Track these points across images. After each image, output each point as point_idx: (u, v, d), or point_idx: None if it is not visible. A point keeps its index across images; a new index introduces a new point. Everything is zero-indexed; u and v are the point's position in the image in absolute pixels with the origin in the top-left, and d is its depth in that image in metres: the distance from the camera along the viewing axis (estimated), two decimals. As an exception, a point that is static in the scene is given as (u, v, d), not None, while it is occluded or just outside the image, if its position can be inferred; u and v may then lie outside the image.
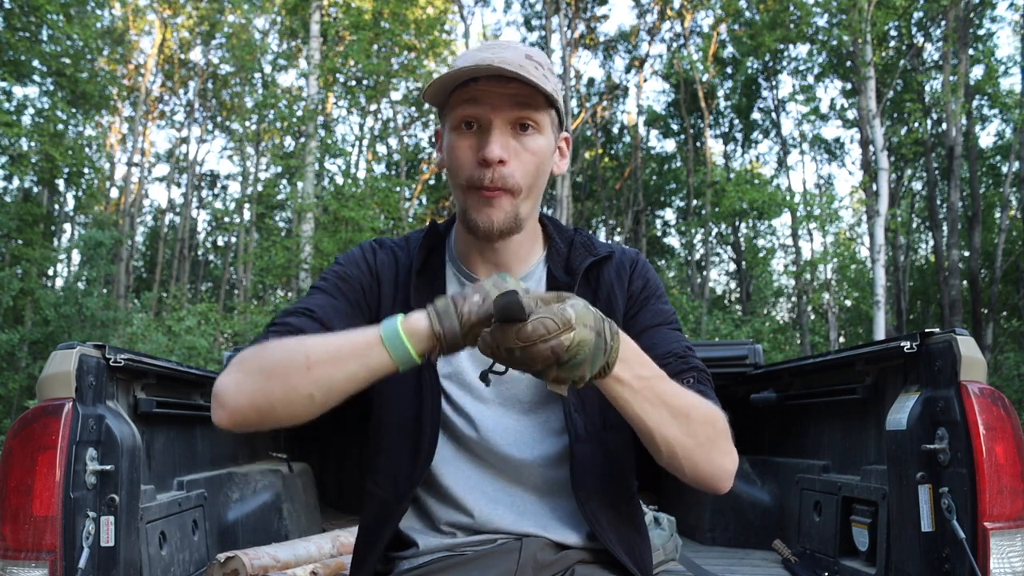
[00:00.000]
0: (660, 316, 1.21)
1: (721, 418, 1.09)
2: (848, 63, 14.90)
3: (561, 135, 1.21)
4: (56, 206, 19.25)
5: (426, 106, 18.36)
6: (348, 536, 2.41)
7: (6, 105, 13.50)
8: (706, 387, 1.14)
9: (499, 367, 0.96)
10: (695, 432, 1.02)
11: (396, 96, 17.66)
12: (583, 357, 0.90)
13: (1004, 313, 17.82)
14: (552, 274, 1.22)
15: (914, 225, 20.68)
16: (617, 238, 22.22)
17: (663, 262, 23.93)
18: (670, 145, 22.16)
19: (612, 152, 22.92)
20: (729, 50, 18.56)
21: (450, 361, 1.19)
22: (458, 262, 1.23)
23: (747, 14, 17.05)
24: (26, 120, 14.24)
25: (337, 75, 14.90)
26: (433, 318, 0.96)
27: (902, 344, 1.72)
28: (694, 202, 19.05)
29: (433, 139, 1.31)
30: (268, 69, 17.68)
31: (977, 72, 15.47)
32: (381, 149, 20.23)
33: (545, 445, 1.17)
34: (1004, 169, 16.46)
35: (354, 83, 15.93)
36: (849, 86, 16.69)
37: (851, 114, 17.71)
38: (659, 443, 1.01)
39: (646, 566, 1.19)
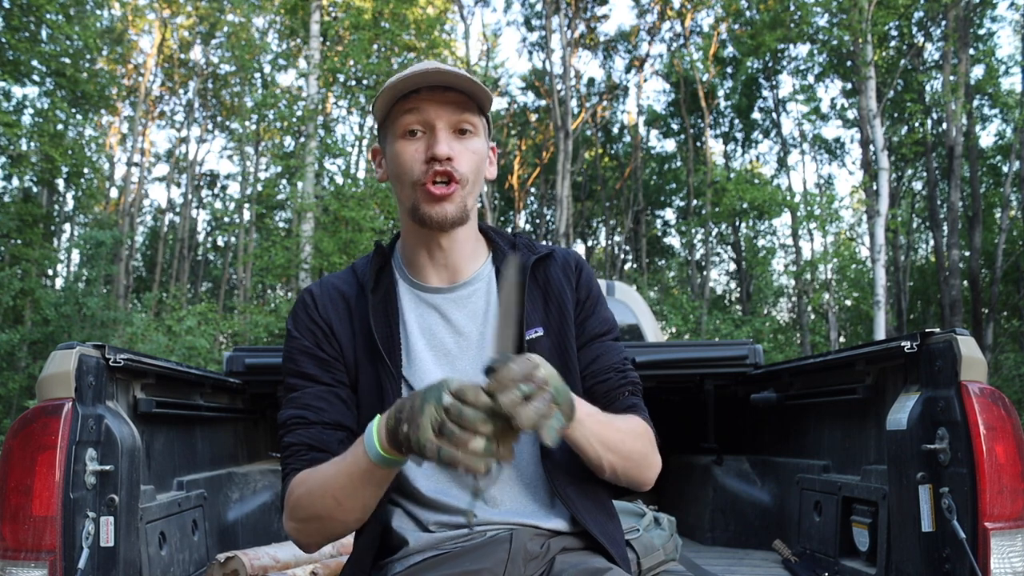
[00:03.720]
0: (605, 324, 1.31)
1: (648, 433, 1.23)
2: (848, 63, 14.90)
3: (489, 144, 1.28)
4: (56, 206, 19.25)
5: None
6: (348, 536, 2.40)
7: (6, 105, 13.50)
8: (638, 399, 1.28)
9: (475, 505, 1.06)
10: (628, 454, 1.18)
11: (396, 96, 17.60)
12: (562, 389, 0.96)
13: (1004, 313, 17.82)
14: (500, 273, 1.27)
15: (914, 225, 20.68)
16: (617, 238, 22.23)
17: (663, 262, 23.94)
18: (670, 145, 22.20)
19: (612, 152, 22.93)
20: (729, 50, 18.57)
21: (412, 366, 1.22)
22: (408, 274, 1.29)
23: (747, 14, 17.05)
24: (26, 120, 14.24)
25: (337, 75, 14.89)
26: (388, 419, 1.00)
27: (902, 344, 1.72)
28: (694, 202, 19.06)
29: (370, 158, 1.36)
30: (268, 69, 17.68)
31: (977, 72, 15.48)
32: (381, 149, 20.20)
33: (521, 441, 1.20)
34: (1004, 169, 16.46)
35: (354, 83, 15.92)
36: (849, 86, 16.69)
37: (851, 114, 17.72)
38: (600, 467, 1.16)
39: (620, 546, 1.25)
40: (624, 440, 1.16)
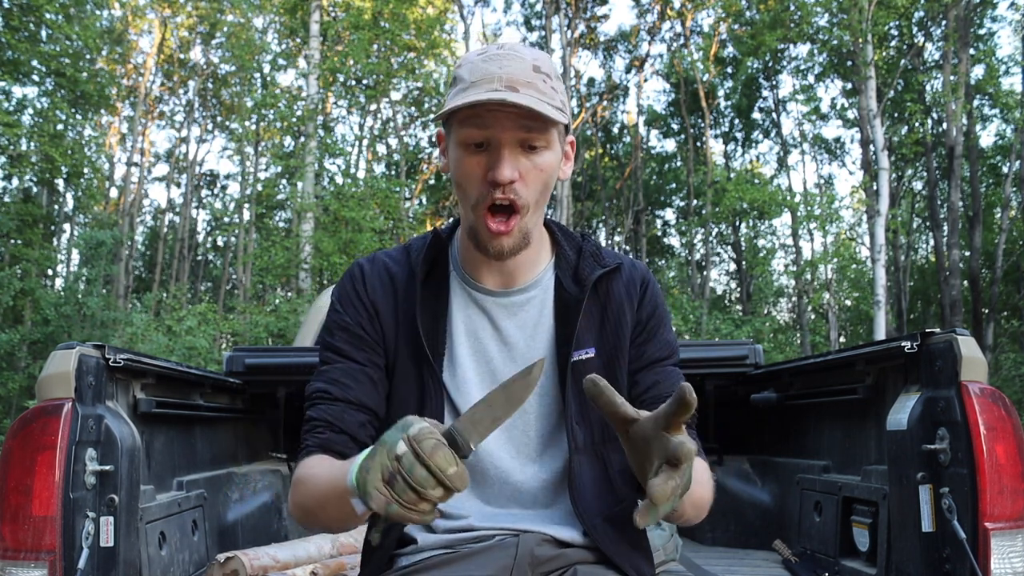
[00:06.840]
0: (666, 349, 1.23)
1: (709, 475, 1.18)
2: (849, 63, 14.90)
3: (567, 139, 1.18)
4: (56, 206, 19.24)
5: (425, 105, 18.35)
6: (348, 536, 2.41)
7: (6, 105, 13.49)
8: (694, 431, 1.20)
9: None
10: (703, 506, 1.14)
11: (396, 96, 17.67)
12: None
13: (1005, 313, 17.82)
14: (560, 282, 1.21)
15: (914, 225, 20.68)
16: (617, 238, 22.23)
17: (663, 262, 23.94)
18: (670, 145, 22.19)
19: (612, 152, 22.93)
20: (729, 50, 18.57)
21: (454, 371, 1.18)
22: (463, 270, 1.22)
23: (748, 14, 17.05)
24: (26, 120, 14.23)
25: (337, 75, 14.90)
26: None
27: (903, 344, 1.72)
28: (694, 202, 19.05)
29: (435, 139, 1.28)
30: (268, 69, 17.69)
31: (978, 72, 15.48)
32: (381, 149, 20.24)
33: (545, 456, 1.18)
34: (1004, 169, 16.47)
35: (354, 83, 15.92)
36: (850, 86, 16.68)
37: (851, 114, 17.70)
38: (677, 518, 1.12)
39: (643, 571, 1.18)
40: (704, 495, 1.12)
